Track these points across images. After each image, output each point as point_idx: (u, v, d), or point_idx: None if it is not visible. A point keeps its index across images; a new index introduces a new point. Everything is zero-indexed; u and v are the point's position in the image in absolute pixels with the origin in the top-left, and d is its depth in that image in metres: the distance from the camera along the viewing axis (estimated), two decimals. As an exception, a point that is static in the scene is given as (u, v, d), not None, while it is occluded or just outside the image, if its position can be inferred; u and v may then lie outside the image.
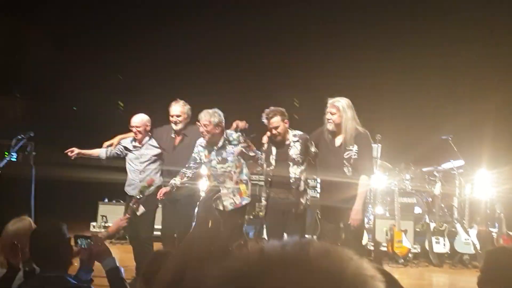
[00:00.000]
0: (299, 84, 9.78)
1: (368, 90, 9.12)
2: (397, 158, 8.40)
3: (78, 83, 9.96)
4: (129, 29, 10.02)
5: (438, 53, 9.22)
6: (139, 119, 5.71)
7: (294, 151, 5.01)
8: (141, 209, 5.22)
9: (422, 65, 9.32)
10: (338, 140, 4.95)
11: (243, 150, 5.20)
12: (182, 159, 5.47)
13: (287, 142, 5.07)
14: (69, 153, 5.70)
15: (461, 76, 9.22)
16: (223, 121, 5.22)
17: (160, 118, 5.83)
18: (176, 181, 5.23)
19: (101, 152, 5.87)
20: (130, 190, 5.84)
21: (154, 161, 5.79)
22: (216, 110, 5.22)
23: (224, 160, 5.23)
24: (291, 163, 5.00)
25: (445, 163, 7.78)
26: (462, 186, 7.70)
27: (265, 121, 5.02)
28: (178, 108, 5.56)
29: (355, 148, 4.86)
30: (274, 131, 4.99)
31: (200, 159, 5.35)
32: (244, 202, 5.26)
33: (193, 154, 5.33)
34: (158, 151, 5.77)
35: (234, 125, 5.41)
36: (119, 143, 5.85)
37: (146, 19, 10.05)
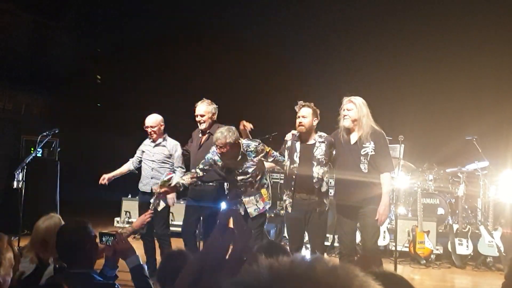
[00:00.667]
0: (320, 85, 9.75)
1: (392, 91, 9.06)
2: (421, 158, 8.33)
3: (103, 80, 10.11)
4: (156, 26, 10.11)
5: (462, 53, 9.10)
6: (153, 119, 5.82)
7: (319, 151, 4.99)
8: (162, 204, 5.30)
9: (446, 65, 9.21)
10: (354, 137, 4.94)
11: (262, 159, 5.20)
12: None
13: (313, 142, 5.05)
14: (101, 182, 5.85)
15: (485, 76, 9.09)
16: (239, 137, 5.13)
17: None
18: (185, 180, 5.16)
19: (129, 166, 6.05)
20: (142, 186, 5.97)
21: (167, 162, 5.87)
22: (230, 127, 5.08)
23: (245, 173, 5.20)
24: (315, 163, 4.98)
25: (469, 164, 7.69)
26: (487, 187, 7.60)
27: (296, 109, 5.04)
28: (202, 108, 5.61)
29: (371, 145, 4.87)
30: (300, 119, 4.99)
31: (215, 164, 5.28)
32: (267, 207, 5.28)
33: (206, 157, 5.19)
34: (170, 153, 5.86)
35: (241, 126, 5.45)
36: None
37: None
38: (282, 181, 8.22)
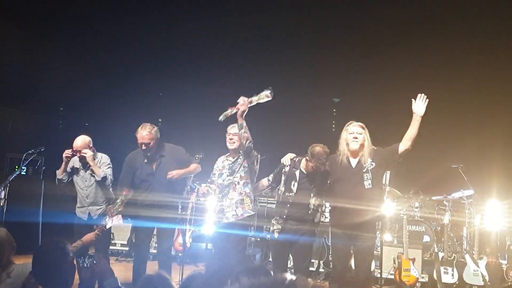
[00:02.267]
0: (302, 111, 9.82)
1: (377, 117, 9.11)
2: (407, 185, 8.35)
3: (90, 99, 10.07)
4: (144, 45, 10.13)
5: (446, 80, 9.21)
6: (81, 141, 5.64)
7: (318, 182, 4.99)
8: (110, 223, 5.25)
9: (428, 91, 9.31)
10: (354, 162, 4.96)
11: (250, 163, 5.15)
12: (164, 179, 5.47)
13: (312, 171, 4.99)
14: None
15: (468, 102, 9.20)
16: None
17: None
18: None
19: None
20: (79, 212, 5.78)
21: (101, 185, 5.69)
22: None
23: (233, 172, 5.22)
24: (312, 194, 4.96)
25: (455, 192, 7.72)
26: (472, 216, 7.62)
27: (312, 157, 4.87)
28: (145, 133, 5.48)
29: (369, 161, 4.94)
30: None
31: (214, 173, 5.39)
32: (245, 215, 5.14)
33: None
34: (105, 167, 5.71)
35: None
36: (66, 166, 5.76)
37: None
38: (268, 206, 8.24)
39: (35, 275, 2.82)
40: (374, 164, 4.94)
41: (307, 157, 4.90)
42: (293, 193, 4.98)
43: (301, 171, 5.03)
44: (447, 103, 9.17)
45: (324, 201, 5.15)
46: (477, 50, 8.91)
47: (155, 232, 5.97)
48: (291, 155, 5.17)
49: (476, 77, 9.08)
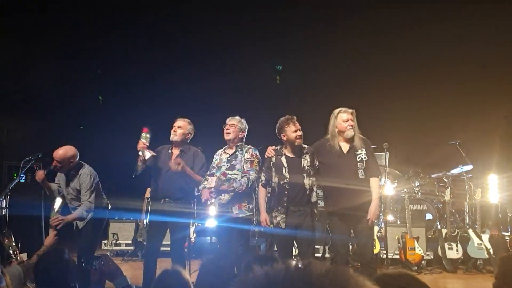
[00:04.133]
0: (306, 93, 9.79)
1: (375, 99, 9.12)
2: (406, 165, 8.39)
3: (84, 102, 10.04)
4: (139, 49, 10.11)
5: (447, 59, 9.19)
6: (62, 153, 5.45)
7: (306, 162, 5.03)
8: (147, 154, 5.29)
9: (430, 71, 9.31)
10: (345, 147, 5.01)
11: (248, 163, 5.19)
12: (178, 174, 5.41)
13: (299, 154, 5.09)
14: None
15: (469, 81, 9.18)
16: (245, 132, 5.38)
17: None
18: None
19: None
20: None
21: (79, 199, 5.54)
22: (243, 120, 5.41)
23: (232, 167, 5.23)
24: (305, 175, 5.00)
25: (454, 169, 7.76)
26: (472, 190, 7.66)
27: (292, 123, 5.02)
28: (181, 122, 5.53)
29: (363, 151, 5.00)
30: (298, 133, 5.01)
31: (214, 166, 5.42)
32: (241, 215, 5.15)
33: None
34: (82, 188, 5.51)
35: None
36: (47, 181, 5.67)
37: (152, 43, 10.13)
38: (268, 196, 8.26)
39: (38, 286, 2.80)
40: (367, 157, 5.01)
41: (283, 135, 5.03)
42: (287, 179, 5.01)
43: (286, 156, 5.08)
44: (447, 80, 9.20)
45: (315, 182, 5.14)
46: (478, 24, 8.85)
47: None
48: (272, 147, 5.20)
49: (475, 52, 9.05)
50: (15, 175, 7.10)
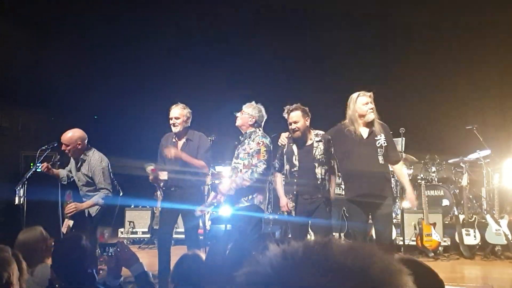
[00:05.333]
0: (320, 78, 9.70)
1: (391, 84, 9.01)
2: (422, 151, 8.30)
3: (98, 92, 10.06)
4: (148, 36, 10.09)
5: (463, 42, 9.04)
6: (69, 136, 5.53)
7: (318, 151, 4.93)
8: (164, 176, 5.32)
9: (446, 56, 9.17)
10: (365, 132, 4.90)
11: (255, 154, 5.04)
12: (184, 164, 5.39)
13: (310, 142, 4.99)
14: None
15: (486, 65, 9.02)
16: (258, 119, 5.15)
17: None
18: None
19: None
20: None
21: (92, 185, 5.58)
22: (259, 106, 5.20)
23: (237, 155, 5.19)
24: (316, 164, 4.91)
25: (471, 154, 7.65)
26: (490, 176, 7.57)
27: (285, 115, 4.97)
28: (177, 111, 5.43)
29: (382, 136, 4.89)
30: (293, 126, 4.92)
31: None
32: (240, 205, 5.06)
33: None
34: (95, 175, 5.52)
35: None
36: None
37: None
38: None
39: (58, 276, 2.81)
40: (387, 144, 4.91)
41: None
42: (296, 167, 4.96)
43: (298, 146, 5.01)
44: (465, 65, 9.05)
45: (329, 168, 5.05)
46: (497, 13, 8.69)
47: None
48: (285, 134, 5.13)
49: (492, 34, 8.89)
50: (32, 164, 7.14)
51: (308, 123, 4.98)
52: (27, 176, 6.11)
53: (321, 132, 5.04)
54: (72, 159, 5.82)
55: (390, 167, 5.16)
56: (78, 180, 5.71)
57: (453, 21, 9.07)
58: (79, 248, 2.75)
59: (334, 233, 7.16)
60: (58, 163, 8.02)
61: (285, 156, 5.06)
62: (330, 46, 9.68)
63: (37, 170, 6.70)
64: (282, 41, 9.87)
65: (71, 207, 5.47)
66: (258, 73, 10.01)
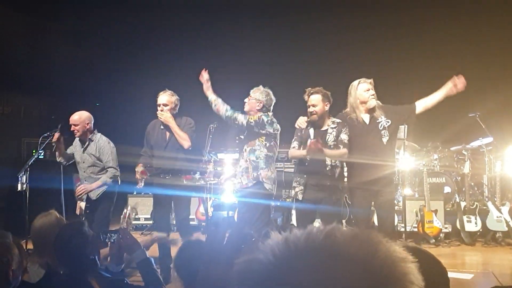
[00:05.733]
0: (323, 67, 9.66)
1: (394, 71, 8.96)
2: (424, 138, 8.28)
3: (100, 79, 10.05)
4: (150, 21, 10.05)
5: (466, 31, 8.98)
6: (77, 116, 5.65)
7: (331, 138, 4.87)
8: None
9: (449, 42, 9.11)
10: (367, 118, 4.91)
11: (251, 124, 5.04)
12: (175, 150, 5.41)
13: (325, 128, 4.93)
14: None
15: (489, 52, 8.97)
16: (266, 103, 5.11)
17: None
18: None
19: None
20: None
21: (99, 166, 5.69)
22: (267, 90, 5.16)
23: (242, 137, 5.24)
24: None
25: (474, 141, 7.63)
26: (492, 163, 7.56)
27: (305, 97, 4.92)
28: (165, 97, 5.42)
29: (383, 117, 4.90)
30: (311, 109, 4.88)
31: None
32: (249, 184, 5.07)
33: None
34: (104, 154, 5.66)
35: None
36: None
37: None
38: (285, 171, 8.24)
39: (60, 263, 2.82)
40: (390, 121, 4.88)
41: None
42: None
43: (315, 130, 4.96)
44: (467, 52, 8.99)
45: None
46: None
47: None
48: (304, 118, 5.09)
49: (498, 25, 8.83)
50: (34, 151, 7.15)
51: (327, 108, 4.92)
52: (30, 163, 6.12)
53: (339, 120, 4.96)
54: (75, 142, 5.86)
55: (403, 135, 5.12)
56: (83, 162, 5.76)
57: (454, 8, 9.01)
58: (81, 234, 2.75)
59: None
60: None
61: (300, 139, 5.02)
62: (328, 34, 9.63)
63: (39, 157, 6.72)
64: (290, 27, 9.85)
65: (81, 189, 5.58)
66: (261, 58, 9.97)
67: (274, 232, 0.81)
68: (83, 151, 5.74)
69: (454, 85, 4.91)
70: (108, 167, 5.65)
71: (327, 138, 4.88)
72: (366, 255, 0.73)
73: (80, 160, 5.81)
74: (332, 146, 4.85)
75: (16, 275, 2.33)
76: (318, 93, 4.88)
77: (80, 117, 5.66)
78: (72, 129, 5.66)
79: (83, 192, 5.58)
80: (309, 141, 4.87)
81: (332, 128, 4.91)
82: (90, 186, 5.60)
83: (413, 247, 1.91)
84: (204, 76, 5.18)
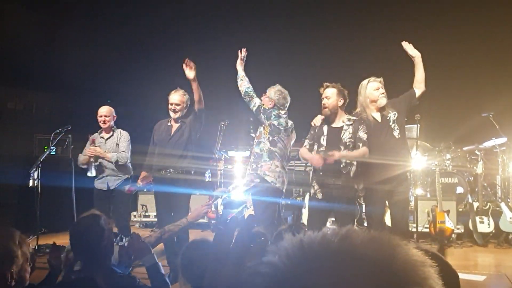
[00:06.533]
0: (332, 63, 9.61)
1: (406, 70, 8.88)
2: (437, 138, 8.21)
3: (111, 75, 10.08)
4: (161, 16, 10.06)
5: (478, 29, 8.88)
6: (105, 108, 6.07)
7: (347, 135, 4.79)
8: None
9: (462, 42, 9.01)
10: (378, 116, 4.89)
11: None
12: (178, 146, 5.45)
13: (341, 125, 4.86)
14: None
15: (502, 52, 8.87)
16: (277, 102, 5.24)
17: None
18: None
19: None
20: (98, 184, 6.04)
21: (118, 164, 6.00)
22: (282, 89, 5.30)
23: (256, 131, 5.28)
24: (342, 147, 4.76)
25: (487, 141, 7.55)
26: (505, 163, 7.48)
27: (321, 90, 4.90)
28: (178, 97, 5.49)
29: (392, 112, 4.89)
30: (324, 101, 4.83)
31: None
32: (256, 180, 5.12)
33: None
34: (122, 142, 6.08)
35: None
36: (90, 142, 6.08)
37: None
38: (296, 169, 8.21)
39: (74, 253, 2.82)
40: (396, 113, 4.89)
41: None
42: (323, 148, 4.83)
43: (329, 127, 4.90)
44: (480, 51, 8.89)
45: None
46: None
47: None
48: (321, 116, 5.04)
49: (508, 19, 8.72)
50: (45, 147, 7.19)
51: (340, 104, 4.85)
52: (41, 159, 6.16)
53: (355, 118, 4.89)
54: (92, 141, 6.03)
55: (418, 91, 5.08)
56: (105, 151, 6.02)
57: (468, 5, 8.92)
58: (97, 225, 2.76)
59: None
60: (72, 146, 8.10)
61: (314, 137, 4.99)
62: (339, 31, 9.58)
63: (51, 153, 6.76)
64: (300, 23, 9.82)
65: (92, 149, 5.91)
66: (272, 57, 9.94)
67: (288, 234, 0.78)
68: (105, 142, 6.05)
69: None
70: (122, 151, 6.02)
71: (342, 135, 4.81)
72: (385, 259, 0.70)
73: (104, 151, 6.02)
74: (348, 143, 4.78)
75: (21, 277, 2.32)
76: (334, 87, 4.86)
77: (109, 110, 6.07)
78: (102, 120, 6.00)
79: (92, 153, 5.89)
80: (322, 138, 4.85)
81: (348, 125, 4.83)
82: (99, 152, 5.93)
83: (425, 250, 1.87)
84: (242, 53, 5.54)
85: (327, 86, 4.87)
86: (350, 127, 4.82)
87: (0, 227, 2.56)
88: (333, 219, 5.34)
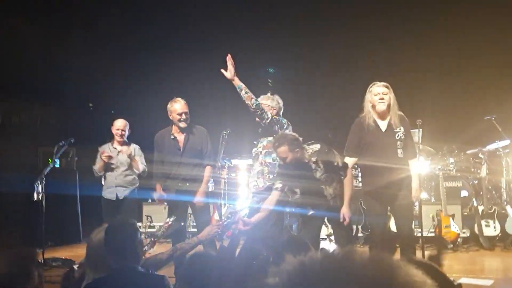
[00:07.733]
0: (338, 69, 9.63)
1: (408, 75, 8.89)
2: (440, 142, 8.19)
3: (114, 87, 10.12)
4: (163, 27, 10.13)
5: (481, 30, 8.88)
6: (123, 122, 6.26)
7: (319, 173, 4.72)
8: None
9: (464, 45, 9.02)
10: (383, 124, 4.82)
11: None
12: (191, 156, 5.46)
13: (309, 164, 4.74)
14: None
15: (505, 54, 8.86)
16: (278, 110, 5.28)
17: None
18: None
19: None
20: (106, 193, 6.22)
21: (131, 171, 6.23)
22: (275, 97, 5.36)
23: (258, 142, 5.22)
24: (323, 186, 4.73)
25: (490, 144, 7.53)
26: (509, 166, 7.44)
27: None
28: (185, 106, 5.47)
29: (401, 129, 4.80)
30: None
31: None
32: (266, 186, 5.04)
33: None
34: (138, 155, 6.27)
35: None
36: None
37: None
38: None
39: (108, 252, 2.81)
40: (405, 135, 4.82)
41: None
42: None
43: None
44: (482, 54, 8.89)
45: (337, 184, 4.92)
46: None
47: (190, 211, 6.06)
48: None
49: (510, 21, 8.73)
50: (49, 160, 7.22)
51: (297, 151, 4.66)
52: (46, 172, 6.18)
53: (317, 147, 4.81)
54: (102, 152, 6.19)
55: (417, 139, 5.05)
56: (118, 166, 6.20)
57: (472, 9, 8.92)
58: (132, 225, 2.84)
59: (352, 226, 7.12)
60: (76, 158, 8.13)
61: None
62: (344, 37, 9.60)
63: (55, 166, 6.78)
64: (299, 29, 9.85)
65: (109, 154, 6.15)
66: (275, 62, 9.99)
67: (288, 255, 0.79)
68: (118, 154, 6.19)
69: (414, 197, 4.87)
70: (141, 163, 6.25)
71: (315, 174, 4.73)
72: (385, 280, 0.71)
73: (115, 163, 6.19)
74: (323, 180, 4.75)
75: None
76: (283, 144, 4.61)
77: (125, 123, 6.25)
78: (119, 133, 6.18)
79: (108, 156, 6.10)
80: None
81: (313, 162, 4.75)
82: (134, 159, 6.23)
83: (427, 264, 1.86)
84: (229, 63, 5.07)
85: (277, 146, 4.65)
86: (320, 163, 4.74)
87: (24, 247, 2.59)
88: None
